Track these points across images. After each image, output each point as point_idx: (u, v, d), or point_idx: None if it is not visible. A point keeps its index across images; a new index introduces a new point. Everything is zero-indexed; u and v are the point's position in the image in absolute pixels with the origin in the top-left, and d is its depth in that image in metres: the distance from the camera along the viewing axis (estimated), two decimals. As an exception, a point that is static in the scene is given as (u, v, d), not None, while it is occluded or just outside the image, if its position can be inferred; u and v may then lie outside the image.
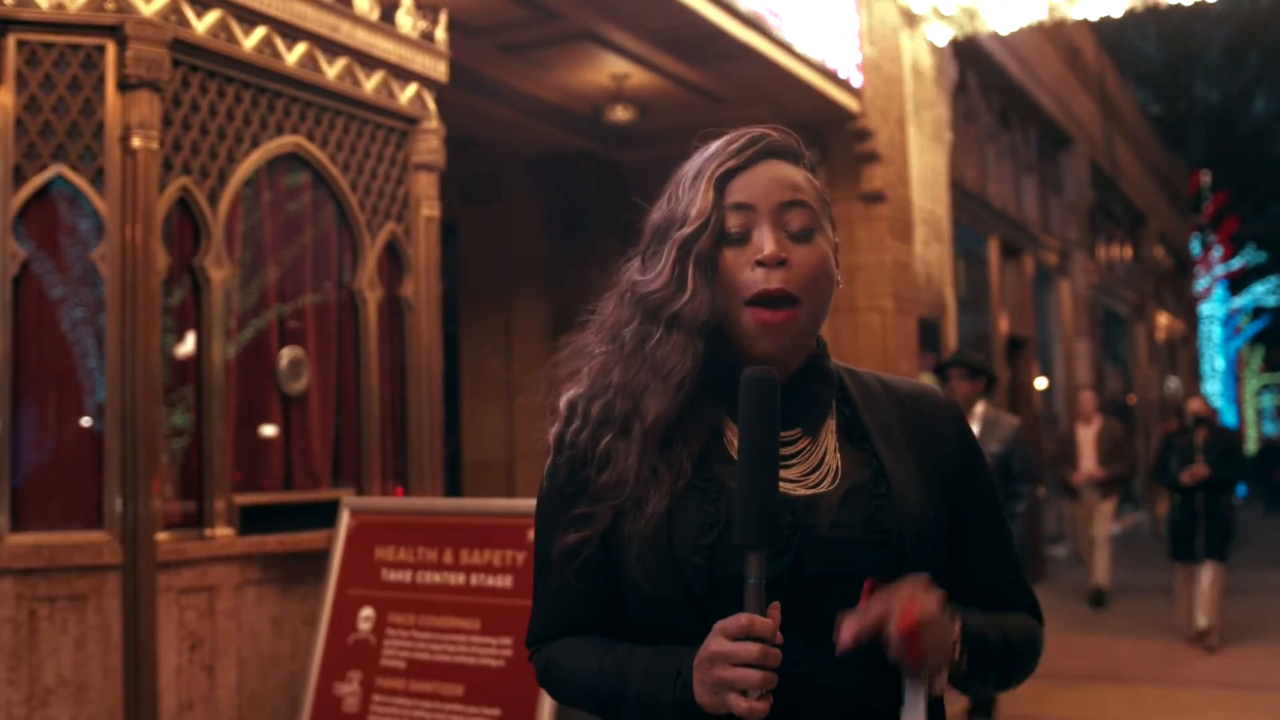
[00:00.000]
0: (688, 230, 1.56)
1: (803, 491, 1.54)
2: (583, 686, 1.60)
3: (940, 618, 1.42)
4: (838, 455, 1.59)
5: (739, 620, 1.39)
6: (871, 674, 1.51)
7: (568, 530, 1.60)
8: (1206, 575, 9.23)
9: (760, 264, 1.53)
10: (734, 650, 1.38)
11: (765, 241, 1.54)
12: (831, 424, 1.61)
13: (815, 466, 1.57)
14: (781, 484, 1.50)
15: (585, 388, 1.64)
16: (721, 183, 1.57)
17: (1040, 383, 14.32)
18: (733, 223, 1.56)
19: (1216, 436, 9.57)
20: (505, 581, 4.26)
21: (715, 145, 1.62)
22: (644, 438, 1.56)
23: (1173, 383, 23.69)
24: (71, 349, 4.18)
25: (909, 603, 1.40)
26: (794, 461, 1.56)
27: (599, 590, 1.61)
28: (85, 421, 4.18)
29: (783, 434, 1.54)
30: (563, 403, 1.66)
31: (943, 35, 10.40)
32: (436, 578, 4.40)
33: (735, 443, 1.56)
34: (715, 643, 1.41)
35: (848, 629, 1.40)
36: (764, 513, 1.42)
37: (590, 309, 1.73)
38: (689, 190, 1.59)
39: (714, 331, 1.57)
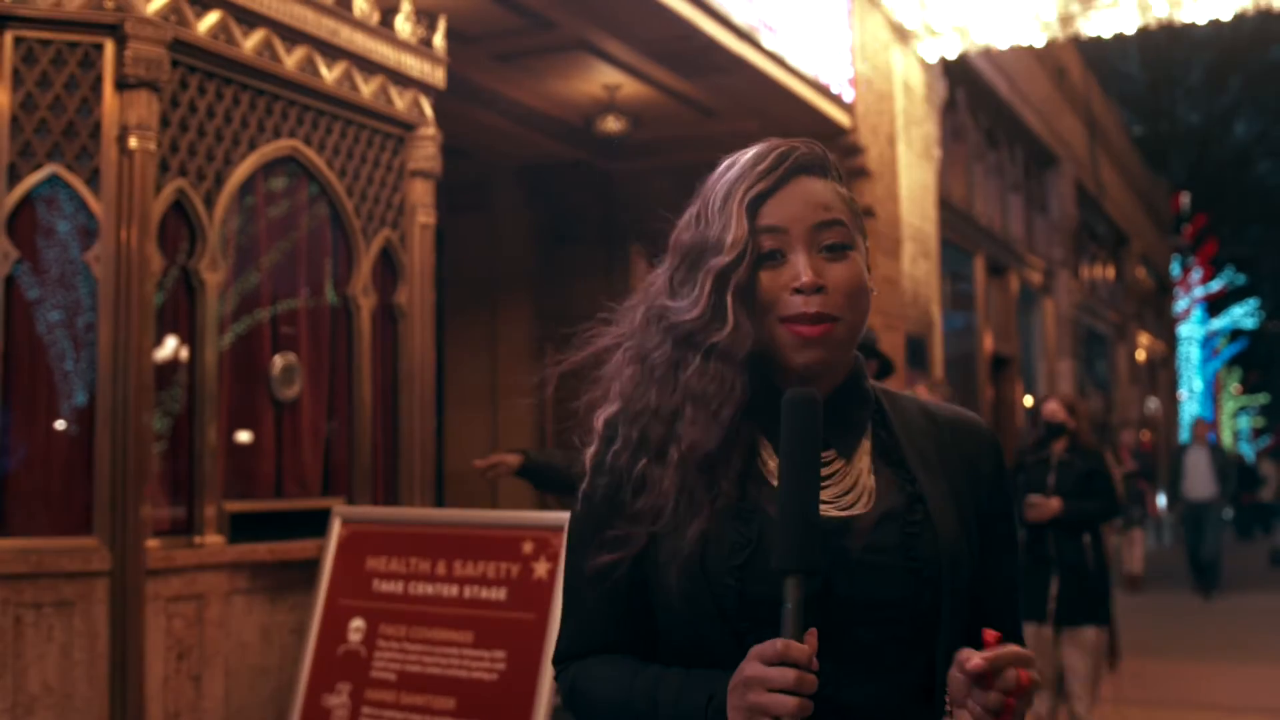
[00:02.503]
0: (725, 260, 1.52)
1: (835, 513, 1.51)
2: (611, 710, 1.56)
3: (1034, 694, 1.41)
4: (872, 478, 1.56)
5: (774, 645, 1.36)
6: (900, 699, 1.49)
7: (600, 551, 1.57)
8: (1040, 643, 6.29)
9: (798, 291, 1.51)
10: (769, 675, 1.35)
11: (801, 268, 1.51)
12: (867, 445, 1.59)
13: (849, 489, 1.54)
14: None
15: (620, 407, 1.61)
16: (753, 206, 1.54)
17: (1027, 401, 14.34)
18: (766, 244, 1.53)
19: (1079, 454, 6.65)
20: (499, 594, 4.22)
21: (742, 163, 1.58)
22: (682, 465, 1.53)
23: (1152, 403, 23.77)
24: (63, 351, 4.12)
25: (1028, 666, 1.38)
26: (828, 483, 1.53)
27: (629, 611, 1.58)
28: (60, 425, 4.11)
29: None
30: (600, 422, 1.63)
31: (933, 52, 10.42)
32: (429, 589, 4.35)
33: (770, 464, 1.55)
34: (750, 667, 1.37)
35: (981, 659, 1.36)
36: (803, 537, 1.39)
37: (605, 317, 1.68)
38: (719, 214, 1.55)
39: (754, 354, 1.55)
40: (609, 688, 1.56)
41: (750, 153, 1.59)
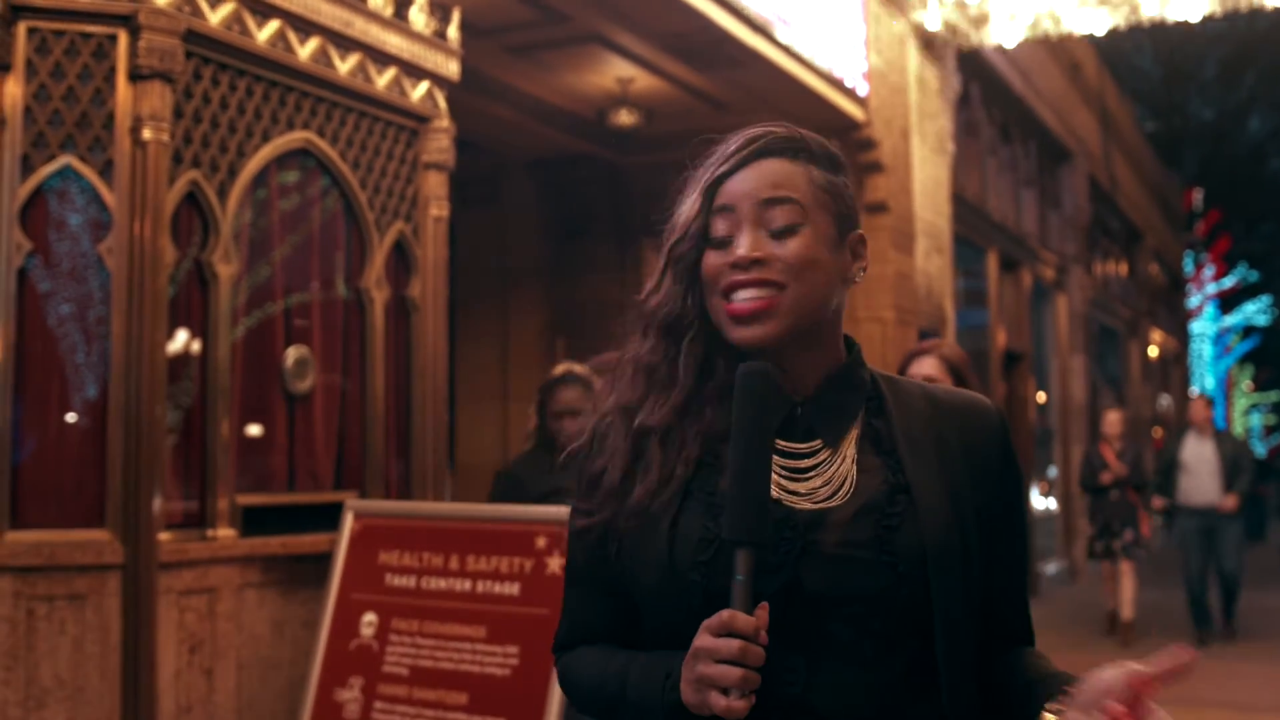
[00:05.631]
0: (674, 238, 1.58)
1: (809, 506, 1.49)
2: (591, 691, 1.61)
3: None
4: (855, 469, 1.53)
5: (720, 617, 1.37)
6: (873, 698, 1.47)
7: (574, 518, 1.63)
8: None
9: (734, 266, 1.51)
10: (715, 646, 1.36)
11: (741, 243, 1.51)
12: (854, 435, 1.56)
13: (828, 480, 1.52)
14: (788, 497, 1.48)
15: (614, 402, 1.64)
16: (712, 189, 1.56)
17: (1039, 397, 14.29)
18: (719, 227, 1.54)
19: None
20: (512, 589, 4.19)
21: (718, 150, 1.60)
22: (635, 439, 1.57)
23: (1164, 400, 23.70)
24: (76, 343, 4.10)
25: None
26: (810, 474, 1.51)
27: (614, 602, 1.61)
28: (72, 417, 4.10)
29: (803, 445, 1.52)
30: (602, 412, 1.68)
31: (948, 46, 10.37)
32: (442, 584, 4.33)
33: None
34: (700, 639, 1.39)
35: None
36: (752, 508, 1.40)
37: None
38: (685, 200, 1.60)
39: (713, 337, 1.56)
40: (589, 672, 1.62)
41: (728, 139, 1.61)
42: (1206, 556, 10.49)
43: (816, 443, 1.53)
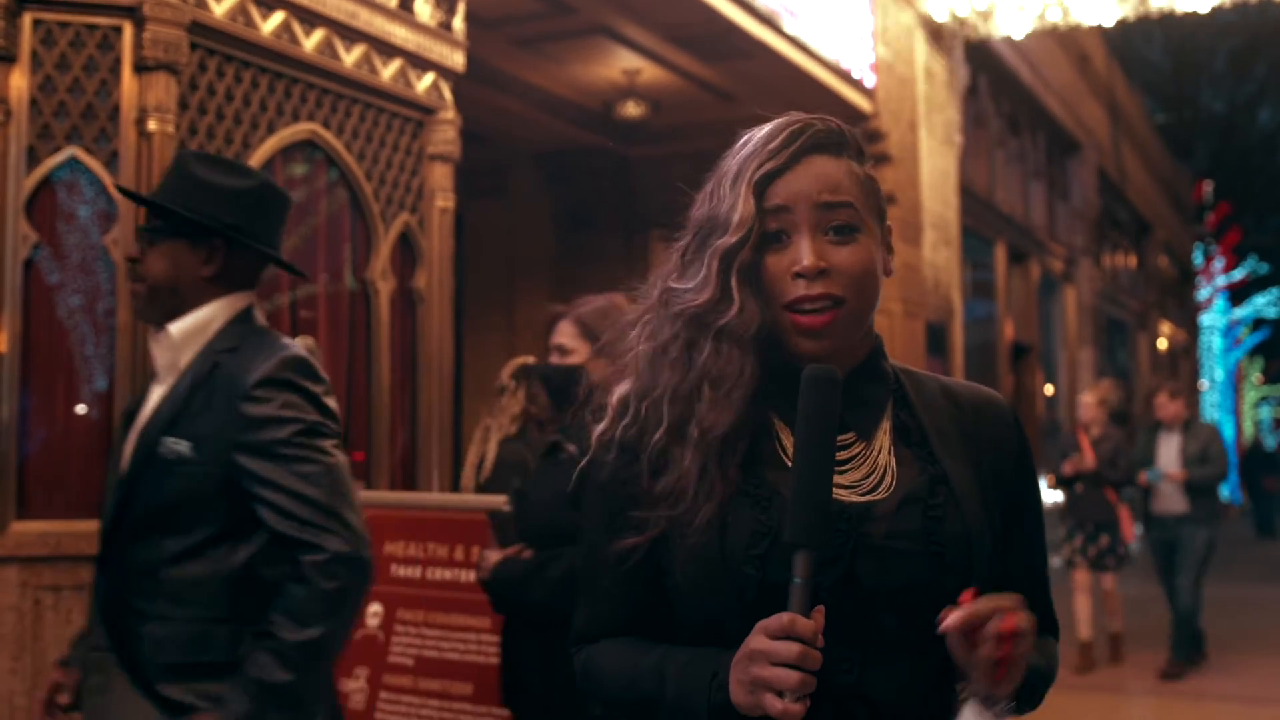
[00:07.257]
0: (730, 240, 1.50)
1: (855, 499, 1.49)
2: (621, 688, 1.57)
3: (1032, 633, 1.40)
4: (892, 460, 1.53)
5: (780, 619, 1.36)
6: (923, 687, 1.48)
7: (622, 534, 1.55)
8: None
9: (799, 275, 1.49)
10: (773, 649, 1.35)
11: (803, 252, 1.49)
12: (886, 426, 1.56)
13: (870, 472, 1.52)
14: (835, 490, 1.46)
15: (633, 385, 1.59)
16: (761, 185, 1.51)
17: (1047, 390, 14.27)
18: (771, 225, 1.51)
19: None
20: (517, 579, 4.19)
21: (755, 140, 1.55)
22: (703, 446, 1.51)
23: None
24: (82, 335, 4.11)
25: (1010, 611, 1.37)
26: (847, 467, 1.51)
27: (645, 596, 1.57)
28: (81, 409, 4.11)
29: (840, 438, 1.50)
30: (614, 399, 1.61)
31: (956, 37, 10.36)
32: (447, 574, 4.33)
33: (789, 446, 1.52)
34: (755, 640, 1.37)
35: (954, 618, 1.37)
36: (816, 512, 1.38)
37: (636, 288, 1.66)
38: (730, 192, 1.53)
39: (765, 335, 1.53)
40: (618, 667, 1.57)
41: (765, 129, 1.56)
42: (1173, 573, 8.55)
43: (850, 435, 1.53)
